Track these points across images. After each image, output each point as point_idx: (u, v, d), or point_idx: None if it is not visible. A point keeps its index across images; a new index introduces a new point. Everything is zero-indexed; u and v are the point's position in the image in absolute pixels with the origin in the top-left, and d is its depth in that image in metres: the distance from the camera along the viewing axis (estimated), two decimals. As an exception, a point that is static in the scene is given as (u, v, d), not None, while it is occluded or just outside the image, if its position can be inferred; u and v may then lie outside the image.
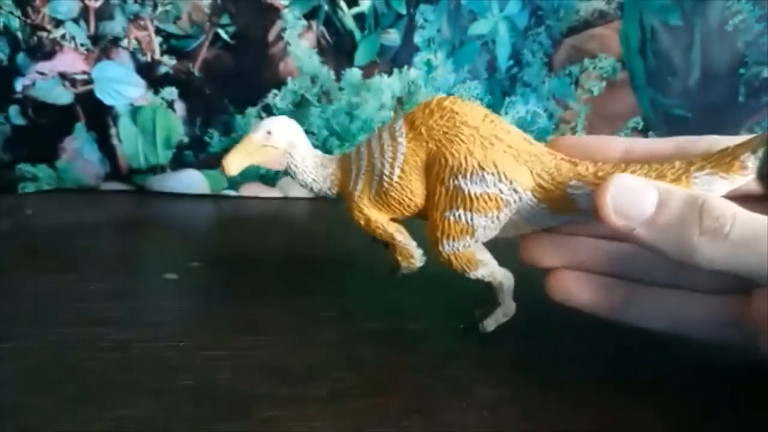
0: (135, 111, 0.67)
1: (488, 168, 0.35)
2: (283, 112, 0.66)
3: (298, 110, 0.66)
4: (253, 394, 0.35)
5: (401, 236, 0.40)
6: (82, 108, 0.67)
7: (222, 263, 0.52)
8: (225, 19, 0.64)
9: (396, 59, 0.64)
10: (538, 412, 0.34)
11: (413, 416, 0.33)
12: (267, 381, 0.36)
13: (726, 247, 0.29)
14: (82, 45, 0.65)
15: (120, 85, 0.66)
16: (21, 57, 0.65)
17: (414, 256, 0.40)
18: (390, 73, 0.65)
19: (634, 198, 0.32)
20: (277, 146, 0.40)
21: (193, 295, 0.47)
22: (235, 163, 0.39)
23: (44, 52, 0.65)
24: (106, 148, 0.68)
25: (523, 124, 0.65)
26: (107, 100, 0.66)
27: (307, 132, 0.65)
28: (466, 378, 0.37)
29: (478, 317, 0.40)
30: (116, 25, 0.65)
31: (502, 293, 0.39)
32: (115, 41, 0.65)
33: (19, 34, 0.64)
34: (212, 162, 0.68)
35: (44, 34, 0.64)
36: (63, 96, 0.66)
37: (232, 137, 0.67)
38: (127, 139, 0.68)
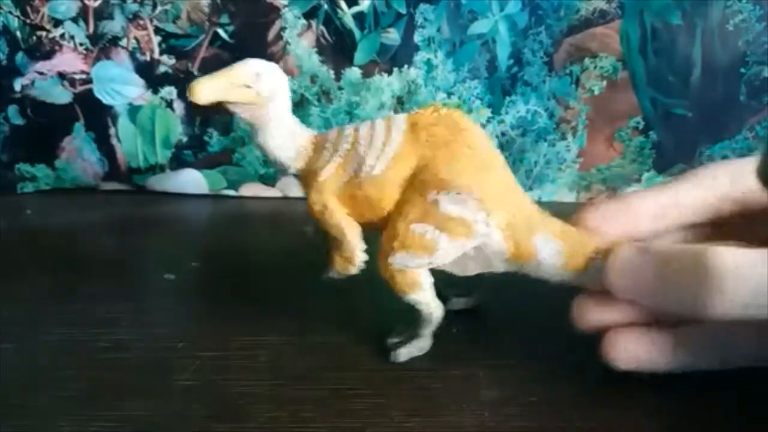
0: (134, 110, 0.67)
1: (476, 193, 0.34)
2: (282, 112, 0.66)
3: (298, 110, 0.66)
4: (253, 395, 0.35)
5: (353, 235, 0.37)
6: (81, 108, 0.67)
7: (221, 263, 0.52)
8: (224, 19, 0.64)
9: (396, 58, 0.64)
10: (538, 413, 0.34)
11: (413, 417, 0.33)
12: (267, 381, 0.36)
13: (735, 301, 0.28)
14: (81, 44, 0.65)
15: (119, 85, 0.66)
16: (20, 56, 0.65)
17: (355, 261, 0.37)
18: (390, 73, 0.65)
19: (631, 271, 0.32)
20: (261, 93, 0.35)
21: (193, 295, 0.47)
22: (207, 91, 0.34)
23: (43, 51, 0.65)
24: (105, 148, 0.68)
25: (524, 124, 0.65)
26: (106, 100, 0.66)
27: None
28: (466, 378, 0.37)
29: (391, 344, 0.38)
30: (115, 25, 0.64)
31: (429, 326, 0.38)
32: (114, 41, 0.65)
33: (18, 34, 0.64)
34: (212, 162, 0.68)
35: (43, 33, 0.64)
36: (62, 95, 0.66)
37: (231, 137, 0.67)
38: (126, 138, 0.68)
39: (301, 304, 0.44)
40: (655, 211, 0.36)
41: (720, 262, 0.28)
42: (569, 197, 0.67)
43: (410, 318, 0.38)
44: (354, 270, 0.38)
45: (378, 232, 0.37)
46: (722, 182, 0.35)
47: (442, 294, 0.42)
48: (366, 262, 0.38)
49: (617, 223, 0.36)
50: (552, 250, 0.35)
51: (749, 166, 0.34)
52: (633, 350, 0.34)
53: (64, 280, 0.48)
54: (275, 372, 0.37)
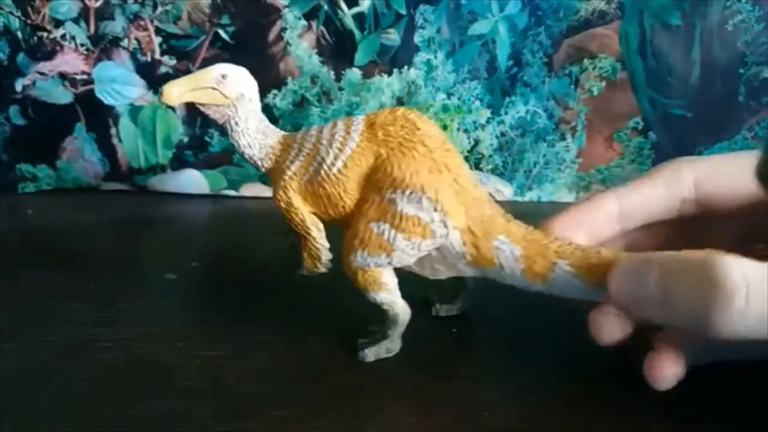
0: (135, 111, 0.67)
1: (429, 193, 0.34)
2: (283, 112, 0.66)
3: (298, 110, 0.66)
4: (253, 395, 0.35)
5: (317, 233, 0.38)
6: (82, 108, 0.67)
7: (221, 263, 0.52)
8: (225, 19, 0.64)
9: (396, 59, 0.64)
10: (538, 412, 0.34)
11: (413, 416, 0.33)
12: (267, 381, 0.36)
13: (745, 319, 0.27)
14: (82, 45, 0.65)
15: (120, 85, 0.66)
16: (21, 57, 0.65)
17: (321, 259, 0.38)
18: (390, 73, 0.65)
19: (634, 282, 0.30)
20: (226, 94, 0.37)
21: (193, 295, 0.47)
22: (177, 92, 0.36)
23: (44, 52, 0.65)
24: (106, 148, 0.68)
25: (523, 124, 0.65)
26: (107, 100, 0.66)
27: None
28: (466, 378, 0.37)
29: (361, 344, 0.38)
30: (116, 26, 0.65)
31: (395, 327, 0.38)
32: (115, 41, 0.65)
33: (20, 34, 0.64)
34: (212, 162, 0.68)
35: (44, 34, 0.65)
36: (63, 96, 0.66)
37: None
38: (127, 139, 0.68)
39: (302, 304, 0.44)
40: (620, 212, 0.35)
41: (729, 276, 0.27)
42: (569, 197, 0.67)
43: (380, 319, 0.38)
44: (322, 268, 0.39)
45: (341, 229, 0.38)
46: (687, 184, 0.35)
47: (428, 300, 0.42)
48: (331, 260, 0.38)
49: (583, 227, 0.35)
50: (511, 254, 0.35)
51: (716, 164, 0.35)
52: (676, 373, 0.32)
53: (64, 280, 0.48)
54: (275, 372, 0.37)
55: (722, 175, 0.34)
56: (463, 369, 0.38)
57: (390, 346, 0.38)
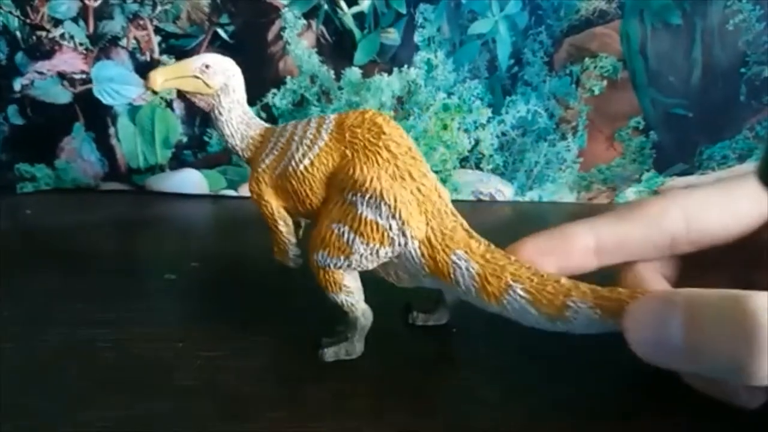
0: (134, 110, 0.67)
1: (388, 199, 0.34)
2: (282, 111, 0.66)
3: (298, 110, 0.66)
4: (253, 395, 0.35)
5: (285, 228, 0.39)
6: (81, 107, 0.67)
7: (221, 263, 0.52)
8: (224, 19, 0.64)
9: (396, 58, 0.64)
10: (538, 413, 0.34)
11: (413, 417, 0.33)
12: (267, 381, 0.36)
13: None
14: (81, 44, 0.65)
15: (119, 85, 0.66)
16: (20, 56, 0.65)
17: (288, 254, 0.39)
18: (390, 73, 0.65)
19: (657, 326, 0.27)
20: (210, 84, 0.38)
21: (193, 295, 0.47)
22: (162, 78, 0.38)
23: (43, 51, 0.65)
24: (105, 148, 0.68)
25: (524, 124, 0.65)
26: (106, 100, 0.66)
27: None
28: (467, 378, 0.37)
29: (325, 342, 0.38)
30: (115, 25, 0.64)
31: (354, 330, 0.37)
32: (114, 41, 0.65)
33: (18, 34, 0.64)
34: (211, 162, 0.68)
35: (43, 33, 0.64)
36: (62, 95, 0.66)
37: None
38: (125, 138, 0.68)
39: (301, 304, 0.44)
40: (597, 246, 0.34)
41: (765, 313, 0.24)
42: (570, 197, 0.67)
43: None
44: (290, 263, 0.39)
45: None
46: (676, 222, 0.33)
47: (409, 306, 0.42)
48: (299, 256, 0.39)
49: (552, 257, 0.34)
50: (467, 271, 0.34)
51: (703, 197, 0.33)
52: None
53: (64, 280, 0.48)
54: (275, 372, 0.37)
55: (712, 207, 0.33)
56: (463, 369, 0.38)
57: (349, 348, 0.38)
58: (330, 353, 0.38)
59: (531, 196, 0.67)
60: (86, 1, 0.64)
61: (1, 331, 0.41)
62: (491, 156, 0.66)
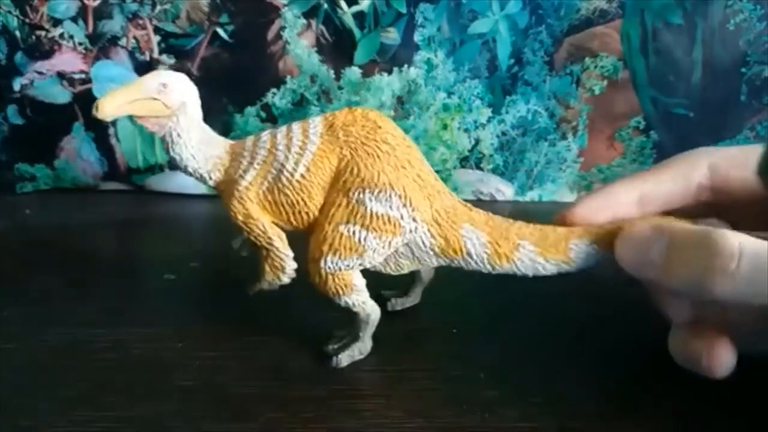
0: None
1: (398, 190, 0.34)
2: (282, 111, 0.66)
3: (297, 109, 0.66)
4: (253, 395, 0.35)
5: (280, 243, 0.37)
6: (81, 107, 0.67)
7: (221, 263, 0.52)
8: (224, 18, 0.64)
9: (396, 58, 0.64)
10: (538, 414, 0.34)
11: (413, 417, 0.33)
12: (267, 381, 0.36)
13: (738, 283, 0.29)
14: (80, 44, 0.65)
15: (118, 85, 0.66)
16: (19, 56, 0.65)
17: (285, 269, 0.37)
18: (390, 72, 0.65)
19: (642, 247, 0.33)
20: (168, 104, 0.35)
21: (193, 296, 0.47)
22: (112, 106, 0.34)
23: (42, 51, 0.65)
24: (105, 148, 0.68)
25: (524, 123, 0.65)
26: (106, 100, 0.66)
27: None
28: (466, 379, 0.37)
29: (332, 350, 0.38)
30: (115, 24, 0.64)
31: (366, 327, 0.37)
32: (114, 40, 0.65)
33: (18, 33, 0.64)
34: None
35: (42, 33, 0.64)
36: (61, 95, 0.66)
37: (231, 136, 0.66)
38: (125, 138, 0.68)
39: (301, 304, 0.44)
40: (639, 198, 0.36)
41: (726, 243, 0.29)
42: (570, 197, 0.67)
43: (349, 322, 0.38)
44: (285, 279, 0.38)
45: (304, 236, 0.37)
46: (702, 170, 0.36)
47: (381, 296, 0.42)
48: (296, 269, 0.38)
49: (604, 213, 0.36)
50: (477, 241, 0.35)
51: (732, 152, 0.36)
52: (732, 359, 0.33)
53: (64, 280, 0.48)
54: (275, 372, 0.37)
55: (737, 162, 0.35)
56: (463, 369, 0.38)
57: (362, 347, 0.38)
58: (345, 358, 0.37)
59: (531, 195, 0.67)
60: (85, 1, 0.64)
61: (1, 331, 0.41)
62: (491, 156, 0.66)
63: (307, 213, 0.36)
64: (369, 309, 0.37)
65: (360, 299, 0.37)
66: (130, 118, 0.36)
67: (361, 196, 0.34)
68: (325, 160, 0.35)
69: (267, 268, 0.37)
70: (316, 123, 0.36)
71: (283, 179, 0.35)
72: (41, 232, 0.59)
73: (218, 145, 0.37)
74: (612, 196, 0.37)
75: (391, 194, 0.34)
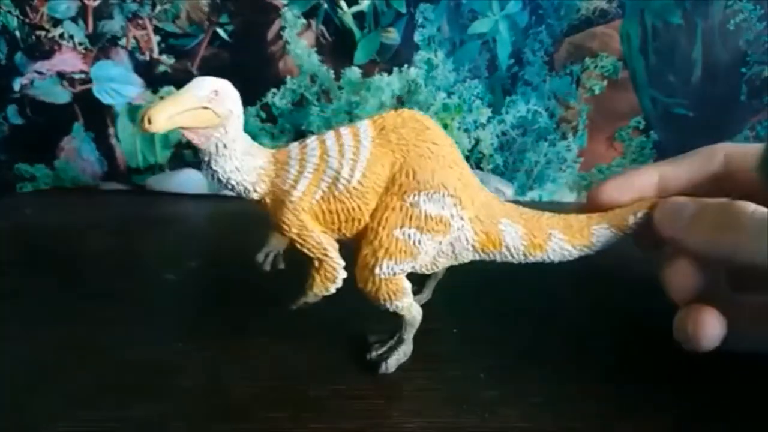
0: (133, 110, 0.67)
1: (450, 189, 0.35)
2: (282, 111, 0.66)
3: (298, 109, 0.66)
4: (253, 395, 0.35)
5: (334, 253, 0.36)
6: (81, 107, 0.67)
7: (221, 263, 0.52)
8: (224, 18, 0.64)
9: (396, 58, 0.64)
10: (538, 414, 0.34)
11: (413, 417, 0.33)
12: (267, 381, 0.36)
13: (750, 241, 0.32)
14: (80, 44, 0.65)
15: (118, 84, 0.66)
16: (19, 56, 0.65)
17: (336, 279, 0.36)
18: (390, 72, 0.65)
19: (675, 212, 0.36)
20: (219, 113, 0.33)
21: (193, 296, 0.47)
22: (164, 117, 0.31)
23: (42, 51, 0.65)
24: (105, 148, 0.68)
25: (524, 123, 0.65)
26: (106, 100, 0.66)
27: (307, 131, 0.66)
28: (466, 379, 0.37)
29: (376, 356, 0.37)
30: (115, 24, 0.64)
31: (411, 329, 0.37)
32: (114, 40, 0.65)
33: (18, 33, 0.64)
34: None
35: (42, 33, 0.64)
36: (61, 95, 0.66)
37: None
38: (125, 138, 0.68)
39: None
40: (658, 181, 0.39)
41: (742, 206, 0.32)
42: (569, 197, 0.67)
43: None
44: (333, 289, 0.37)
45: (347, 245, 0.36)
46: (716, 163, 0.39)
47: None
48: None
49: (627, 195, 0.38)
50: (515, 234, 0.37)
51: (747, 148, 0.39)
52: (719, 332, 0.33)
53: (64, 280, 0.48)
54: (275, 372, 0.37)
55: (750, 158, 0.37)
56: (463, 369, 0.38)
57: (407, 349, 0.38)
58: (392, 363, 0.37)
59: (531, 195, 0.67)
60: (85, 1, 0.64)
61: (1, 331, 0.41)
62: (491, 156, 0.66)
63: (360, 220, 0.35)
64: (414, 311, 0.37)
65: (408, 302, 0.36)
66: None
67: (416, 198, 0.34)
68: (378, 164, 0.35)
69: (318, 280, 0.36)
70: (366, 127, 0.36)
71: (340, 186, 0.34)
72: (41, 232, 0.59)
73: (261, 155, 0.35)
74: (635, 177, 0.39)
75: (444, 194, 0.35)
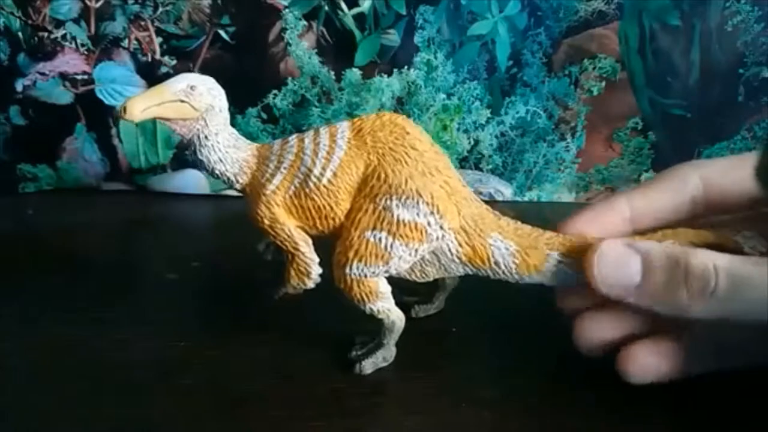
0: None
1: (425, 197, 0.34)
2: (283, 112, 0.66)
3: (299, 110, 0.66)
4: (254, 394, 0.35)
5: (306, 248, 0.36)
6: (83, 108, 0.67)
7: (222, 263, 0.52)
8: (225, 20, 0.64)
9: (396, 59, 0.64)
10: (537, 412, 0.34)
11: (413, 416, 0.34)
12: (267, 381, 0.36)
13: (715, 303, 0.30)
14: (82, 45, 0.65)
15: (120, 86, 0.66)
16: (22, 57, 0.65)
17: (311, 274, 0.37)
18: (390, 74, 0.65)
19: (619, 268, 0.33)
20: (196, 106, 0.35)
21: (194, 295, 0.47)
22: (140, 107, 0.34)
23: (45, 52, 0.65)
24: (107, 148, 0.68)
25: (523, 124, 0.65)
26: (108, 101, 0.66)
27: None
28: (466, 378, 0.37)
29: (355, 356, 0.38)
30: (117, 26, 0.65)
31: (391, 334, 0.37)
32: (116, 41, 0.65)
33: (20, 35, 0.64)
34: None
35: (45, 34, 0.65)
36: (63, 96, 0.66)
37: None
38: (127, 139, 0.68)
39: (302, 303, 0.44)
40: (631, 215, 0.36)
41: (701, 266, 0.30)
42: (568, 197, 0.67)
43: (372, 328, 0.38)
44: (310, 284, 0.37)
45: (330, 241, 0.37)
46: (694, 185, 0.36)
47: (404, 303, 0.42)
48: (320, 275, 0.37)
49: (596, 228, 0.36)
50: (506, 251, 0.35)
51: (721, 164, 0.36)
52: (651, 364, 0.33)
53: (65, 280, 0.48)
54: (275, 372, 0.37)
55: (729, 171, 0.36)
56: (463, 369, 0.38)
57: (386, 354, 0.37)
58: (368, 365, 0.37)
59: (530, 196, 0.68)
60: (88, 2, 0.64)
61: (1, 331, 0.41)
62: (490, 156, 0.67)
63: (333, 218, 0.35)
64: (394, 316, 0.37)
65: (385, 306, 0.36)
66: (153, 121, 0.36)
67: (388, 202, 0.34)
68: (352, 165, 0.35)
69: (292, 273, 0.37)
70: (344, 128, 0.36)
71: (310, 184, 0.35)
72: (43, 233, 0.60)
73: (245, 149, 0.37)
74: (604, 212, 0.37)
75: (418, 201, 0.34)
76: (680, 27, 0.62)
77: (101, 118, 0.67)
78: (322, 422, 0.33)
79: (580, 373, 0.37)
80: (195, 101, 0.35)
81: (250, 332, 0.41)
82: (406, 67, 0.64)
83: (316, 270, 0.37)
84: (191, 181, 0.69)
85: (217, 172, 0.37)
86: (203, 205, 0.68)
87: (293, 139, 0.37)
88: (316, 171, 0.35)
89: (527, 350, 0.39)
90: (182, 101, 0.35)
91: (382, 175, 0.34)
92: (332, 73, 0.65)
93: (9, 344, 0.40)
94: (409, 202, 0.34)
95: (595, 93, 0.64)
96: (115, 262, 0.53)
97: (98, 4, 0.64)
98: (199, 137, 0.36)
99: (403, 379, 0.37)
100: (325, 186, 0.35)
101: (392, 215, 0.34)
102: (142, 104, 0.34)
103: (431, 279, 0.38)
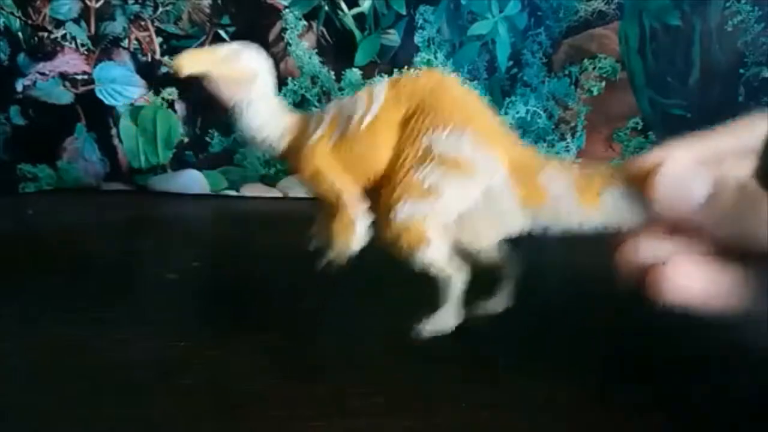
0: (135, 111, 0.67)
1: (468, 133, 0.33)
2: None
3: (299, 110, 0.66)
4: (253, 394, 0.35)
5: (350, 196, 0.35)
6: (83, 108, 0.67)
7: (222, 263, 0.52)
8: (225, 20, 0.64)
9: (396, 59, 0.64)
10: (537, 413, 0.34)
11: (412, 417, 0.34)
12: (267, 381, 0.36)
13: None
14: (82, 45, 0.65)
15: (120, 86, 0.66)
16: (22, 57, 0.65)
17: (355, 229, 0.35)
18: (390, 74, 0.65)
19: (684, 186, 0.30)
20: (241, 70, 0.36)
21: (194, 295, 0.47)
22: (191, 62, 0.35)
23: (45, 52, 0.65)
24: (107, 148, 0.68)
25: (523, 124, 0.65)
26: (108, 101, 0.67)
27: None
28: (466, 378, 0.37)
29: (418, 324, 0.36)
30: (117, 26, 0.65)
31: (448, 294, 0.35)
32: (116, 41, 0.65)
33: (20, 35, 0.65)
34: (213, 162, 0.68)
35: (45, 34, 0.65)
36: (63, 96, 0.66)
37: (233, 137, 0.67)
38: (127, 139, 0.68)
39: (301, 303, 0.44)
40: (697, 160, 0.34)
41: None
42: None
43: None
44: (355, 243, 0.35)
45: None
46: (760, 134, 0.34)
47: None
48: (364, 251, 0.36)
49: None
50: (562, 184, 0.33)
51: None
52: (689, 282, 0.30)
53: (65, 280, 0.48)
54: (275, 372, 0.37)
55: None
56: (463, 370, 0.38)
57: (445, 315, 0.36)
58: (426, 330, 0.36)
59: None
60: (88, 2, 0.64)
61: (1, 331, 0.41)
62: (491, 156, 0.67)
63: (377, 163, 0.35)
64: (450, 270, 0.35)
65: (436, 256, 0.34)
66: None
67: (431, 139, 0.33)
68: (391, 110, 0.35)
69: (337, 230, 0.35)
70: (382, 83, 0.36)
71: (350, 131, 0.35)
72: (43, 232, 0.60)
73: (287, 116, 0.37)
74: (670, 155, 0.34)
75: (461, 135, 0.33)
76: (680, 27, 0.62)
77: (101, 118, 0.67)
78: (322, 422, 0.33)
79: (581, 373, 0.37)
80: (241, 65, 0.36)
81: (250, 332, 0.41)
82: (406, 67, 0.64)
83: (361, 225, 0.35)
84: (191, 181, 0.69)
85: (258, 138, 0.37)
86: (203, 205, 0.68)
87: (332, 104, 0.37)
88: (356, 119, 0.35)
89: (528, 350, 0.39)
90: (228, 65, 0.36)
91: (422, 117, 0.34)
92: (332, 73, 0.65)
93: (9, 344, 0.40)
94: (452, 138, 0.33)
95: (595, 93, 0.65)
96: (115, 262, 0.53)
97: (98, 4, 0.64)
98: (242, 103, 0.36)
99: (403, 379, 0.37)
100: (365, 130, 0.35)
101: (437, 151, 0.33)
102: (193, 59, 0.35)
103: (484, 243, 0.36)
